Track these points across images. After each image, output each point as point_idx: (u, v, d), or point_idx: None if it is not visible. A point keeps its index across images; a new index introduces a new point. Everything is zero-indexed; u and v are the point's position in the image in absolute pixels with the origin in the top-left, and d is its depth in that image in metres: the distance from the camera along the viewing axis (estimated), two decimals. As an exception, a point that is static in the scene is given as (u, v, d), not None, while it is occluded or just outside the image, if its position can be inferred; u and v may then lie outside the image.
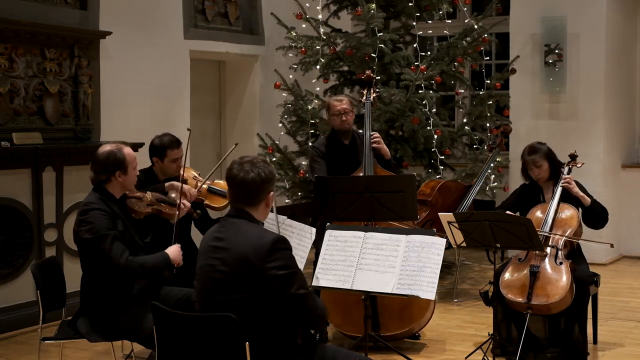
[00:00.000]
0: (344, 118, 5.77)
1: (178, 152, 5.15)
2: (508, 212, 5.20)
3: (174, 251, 4.30)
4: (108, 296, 4.12)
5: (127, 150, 4.25)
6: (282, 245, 3.24)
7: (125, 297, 4.14)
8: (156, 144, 5.16)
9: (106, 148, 4.23)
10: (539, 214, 5.19)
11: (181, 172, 4.95)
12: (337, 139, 5.87)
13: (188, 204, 4.62)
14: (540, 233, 5.00)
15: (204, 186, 5.19)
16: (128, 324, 4.09)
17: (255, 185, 3.31)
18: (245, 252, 3.21)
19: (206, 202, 5.21)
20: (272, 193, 3.40)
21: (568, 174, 5.28)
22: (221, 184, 5.31)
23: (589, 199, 5.21)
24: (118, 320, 4.09)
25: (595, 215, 5.24)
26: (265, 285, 3.20)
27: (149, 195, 4.46)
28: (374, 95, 6.00)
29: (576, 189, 5.21)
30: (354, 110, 5.92)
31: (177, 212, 4.55)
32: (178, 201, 4.62)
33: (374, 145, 5.70)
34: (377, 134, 5.81)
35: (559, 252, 5.01)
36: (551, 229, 5.09)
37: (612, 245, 5.38)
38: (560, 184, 5.20)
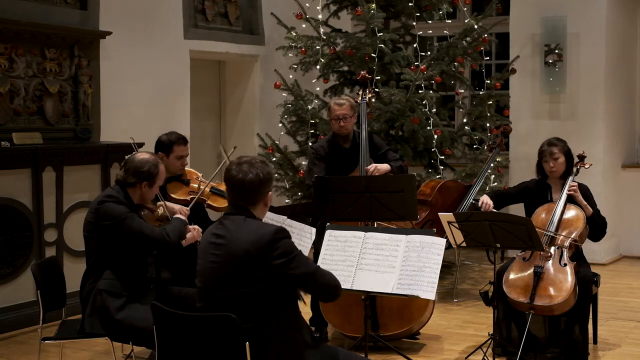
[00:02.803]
0: (342, 123, 5.69)
1: (184, 149, 5.19)
2: (485, 196, 5.21)
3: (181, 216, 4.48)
4: (114, 292, 4.15)
5: (162, 167, 4.37)
6: (282, 235, 3.30)
7: (130, 295, 4.16)
8: (163, 140, 5.19)
9: (145, 156, 4.32)
10: (544, 214, 5.18)
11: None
12: (337, 143, 5.83)
13: (198, 229, 4.62)
14: (546, 233, 5.00)
15: (207, 188, 5.20)
16: (131, 321, 4.10)
17: (253, 185, 3.36)
18: (246, 246, 3.25)
19: (208, 202, 5.22)
20: (270, 193, 3.46)
21: (576, 174, 5.28)
22: (224, 186, 5.32)
23: (591, 210, 5.19)
24: (122, 316, 4.11)
25: (595, 227, 5.22)
26: (270, 276, 3.25)
27: (161, 210, 4.49)
28: (370, 95, 5.98)
29: (580, 198, 5.19)
30: (356, 114, 5.83)
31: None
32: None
33: (373, 173, 5.60)
34: (371, 167, 5.61)
35: (564, 254, 5.00)
36: (557, 229, 5.09)
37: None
38: (566, 191, 5.19)
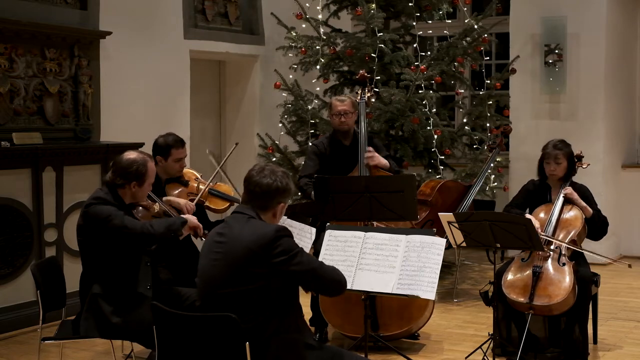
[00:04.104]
0: (342, 119, 5.76)
1: (182, 151, 5.15)
2: (519, 211, 5.22)
3: (189, 215, 4.32)
4: (110, 294, 4.13)
5: (151, 165, 4.27)
6: (283, 233, 3.33)
7: (126, 297, 4.15)
8: (160, 143, 5.14)
9: (131, 155, 4.23)
10: (542, 215, 5.19)
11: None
12: (337, 139, 5.87)
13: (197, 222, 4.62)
14: (543, 236, 5.00)
15: (206, 189, 5.19)
16: (128, 324, 4.09)
17: (268, 190, 3.39)
18: (247, 243, 3.27)
19: (207, 203, 5.21)
20: (282, 205, 3.47)
21: (574, 174, 5.29)
22: (223, 187, 5.32)
23: (590, 210, 5.19)
24: (118, 320, 4.09)
25: (594, 227, 5.22)
26: (271, 274, 3.26)
27: (156, 206, 4.44)
28: (369, 94, 6.00)
29: (579, 200, 5.20)
30: (356, 112, 5.87)
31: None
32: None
33: (369, 163, 5.63)
34: (369, 152, 5.67)
35: (562, 254, 5.00)
36: (555, 229, 5.09)
37: (630, 266, 5.36)
38: (562, 195, 5.19)
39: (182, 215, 4.35)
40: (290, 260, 3.29)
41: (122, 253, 4.14)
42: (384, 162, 5.70)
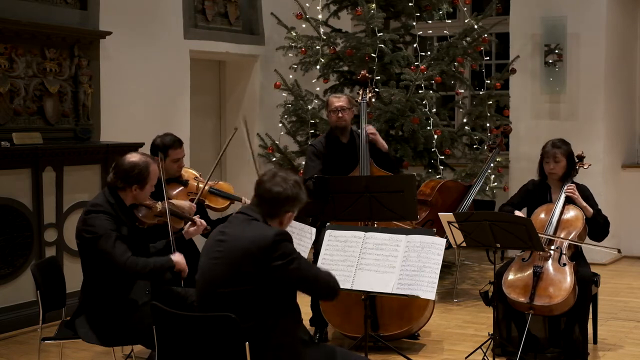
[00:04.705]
0: (340, 115, 5.76)
1: (180, 152, 5.15)
2: (516, 211, 5.22)
3: (178, 257, 4.25)
4: (108, 300, 4.11)
5: (153, 167, 4.24)
6: (284, 237, 3.32)
7: (125, 303, 4.14)
8: (158, 144, 5.14)
9: (133, 158, 4.21)
10: (543, 215, 5.19)
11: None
12: (335, 136, 5.87)
13: (204, 223, 4.61)
14: (544, 236, 5.00)
15: (205, 187, 5.18)
16: (127, 330, 4.08)
17: (277, 197, 3.38)
18: (247, 244, 3.27)
19: (207, 202, 5.21)
20: (290, 214, 3.46)
21: (575, 174, 5.29)
22: (223, 186, 5.32)
23: (591, 211, 5.18)
24: (117, 326, 4.09)
25: (596, 227, 5.21)
26: (269, 276, 3.26)
27: (159, 205, 4.43)
28: (370, 95, 6.01)
29: (580, 200, 5.19)
30: (354, 109, 5.90)
31: (187, 227, 4.58)
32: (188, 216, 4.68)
33: (370, 137, 5.70)
34: (372, 128, 5.78)
35: (563, 254, 5.00)
36: (556, 230, 5.08)
37: (619, 251, 5.36)
38: (564, 193, 5.19)
39: (171, 257, 4.22)
40: (288, 265, 3.28)
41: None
42: (384, 142, 5.78)
